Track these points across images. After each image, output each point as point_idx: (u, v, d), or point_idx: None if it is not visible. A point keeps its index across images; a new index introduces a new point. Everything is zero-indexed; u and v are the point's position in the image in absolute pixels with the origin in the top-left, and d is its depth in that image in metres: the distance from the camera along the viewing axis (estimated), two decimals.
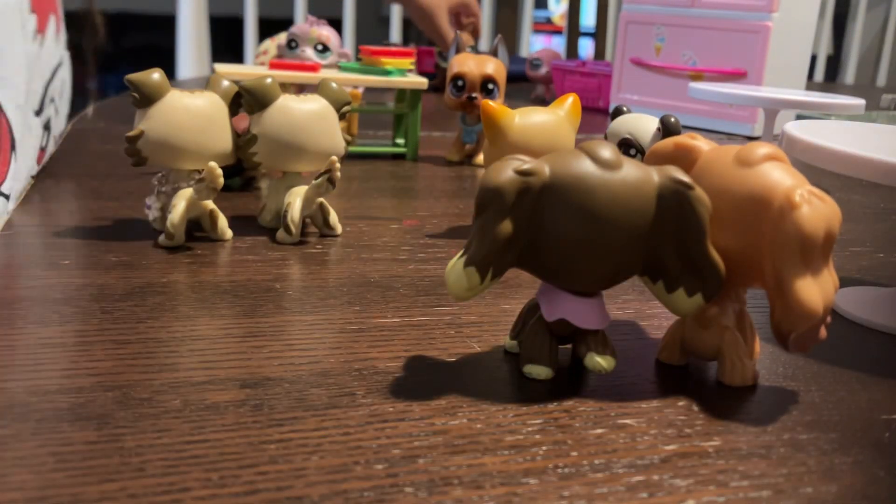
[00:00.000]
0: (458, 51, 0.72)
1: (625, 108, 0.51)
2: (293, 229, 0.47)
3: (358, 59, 0.79)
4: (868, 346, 0.39)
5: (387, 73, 0.73)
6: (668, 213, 0.30)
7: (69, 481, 0.24)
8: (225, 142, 0.47)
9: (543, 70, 1.27)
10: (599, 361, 0.31)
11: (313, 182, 0.47)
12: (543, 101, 1.28)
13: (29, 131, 0.55)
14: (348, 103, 0.50)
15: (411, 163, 0.75)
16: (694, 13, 1.05)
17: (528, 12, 2.11)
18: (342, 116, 0.50)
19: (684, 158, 0.33)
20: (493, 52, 0.72)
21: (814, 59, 2.18)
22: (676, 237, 0.30)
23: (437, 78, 1.25)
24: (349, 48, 1.36)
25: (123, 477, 0.24)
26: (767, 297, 0.31)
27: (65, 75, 0.69)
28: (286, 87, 0.66)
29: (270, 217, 0.50)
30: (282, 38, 0.83)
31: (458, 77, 0.70)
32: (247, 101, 0.47)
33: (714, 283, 0.31)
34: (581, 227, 0.29)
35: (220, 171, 0.44)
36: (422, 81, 0.72)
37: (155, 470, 0.24)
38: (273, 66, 0.69)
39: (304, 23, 0.77)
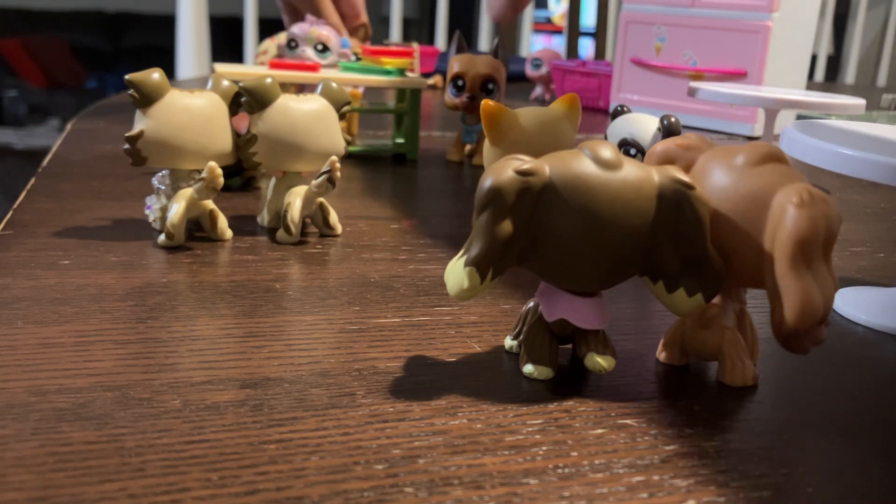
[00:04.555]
0: (458, 51, 0.72)
1: (625, 108, 0.51)
2: (293, 229, 0.47)
3: (357, 59, 0.79)
4: (868, 346, 0.39)
5: (387, 72, 0.73)
6: (669, 213, 0.30)
7: (69, 481, 0.24)
8: (225, 142, 0.47)
9: (543, 70, 1.26)
10: (599, 361, 0.31)
11: (313, 182, 0.47)
12: (543, 101, 1.28)
13: None
14: (348, 103, 0.50)
15: (411, 163, 0.75)
16: (694, 13, 1.05)
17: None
18: (342, 116, 0.50)
19: (684, 158, 0.33)
20: (494, 52, 0.72)
21: (814, 59, 2.18)
22: (676, 237, 0.30)
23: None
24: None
25: (123, 477, 0.24)
26: (767, 297, 0.31)
27: None
28: (286, 87, 0.66)
29: (270, 217, 0.50)
30: (282, 37, 0.83)
31: (458, 77, 0.70)
32: (247, 101, 0.47)
33: (714, 283, 0.31)
34: (581, 226, 0.29)
35: (220, 171, 0.44)
36: (421, 81, 0.72)
37: (155, 470, 0.24)
38: (273, 66, 0.69)
39: (304, 22, 0.77)
